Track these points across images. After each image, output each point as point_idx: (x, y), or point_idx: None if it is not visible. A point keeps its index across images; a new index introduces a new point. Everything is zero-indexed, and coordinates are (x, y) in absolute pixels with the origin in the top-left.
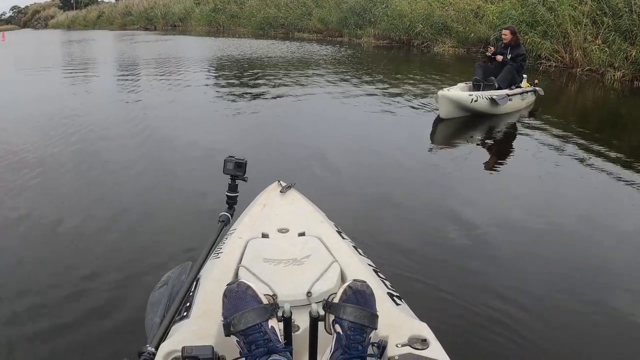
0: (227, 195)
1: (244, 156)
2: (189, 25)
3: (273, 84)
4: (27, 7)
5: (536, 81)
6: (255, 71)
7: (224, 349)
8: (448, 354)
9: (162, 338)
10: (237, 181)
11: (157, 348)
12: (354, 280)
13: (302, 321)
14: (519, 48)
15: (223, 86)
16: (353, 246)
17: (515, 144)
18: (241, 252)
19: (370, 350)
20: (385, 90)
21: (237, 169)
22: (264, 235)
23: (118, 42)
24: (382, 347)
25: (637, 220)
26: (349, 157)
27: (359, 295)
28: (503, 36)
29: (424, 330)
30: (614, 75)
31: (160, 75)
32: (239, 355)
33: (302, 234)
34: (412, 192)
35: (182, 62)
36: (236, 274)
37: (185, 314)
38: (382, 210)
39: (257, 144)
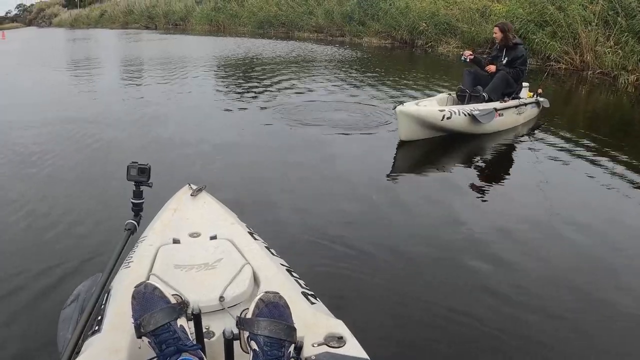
0: (132, 202)
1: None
2: (189, 24)
3: (268, 88)
4: (32, 5)
5: (540, 90)
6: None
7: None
8: (365, 350)
9: (73, 354)
10: (142, 187)
11: None
12: (266, 292)
13: (216, 327)
14: (517, 49)
15: (219, 90)
16: (266, 247)
17: (506, 162)
18: (152, 260)
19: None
20: (368, 94)
21: (140, 175)
22: (175, 241)
23: (120, 42)
24: (298, 347)
25: None
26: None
27: (273, 308)
28: (494, 35)
29: (339, 327)
30: (627, 79)
31: (161, 78)
32: None
33: (213, 238)
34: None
35: (181, 63)
36: None
37: (97, 327)
38: (295, 207)
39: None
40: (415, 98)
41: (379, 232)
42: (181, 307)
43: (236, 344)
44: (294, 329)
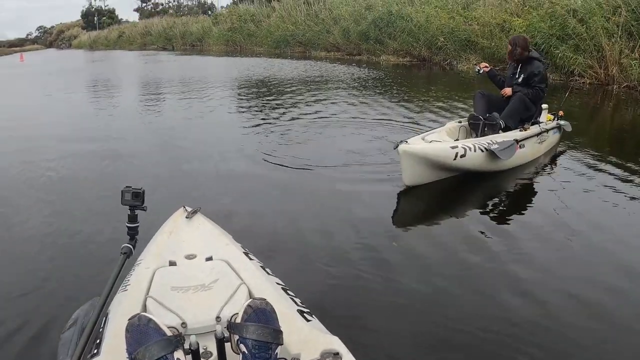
0: (127, 226)
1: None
2: (206, 44)
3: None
4: (52, 27)
5: (561, 112)
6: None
7: None
8: None
9: None
10: (137, 211)
11: None
12: (253, 299)
13: (213, 347)
14: (533, 64)
15: (229, 112)
16: (261, 266)
17: (525, 200)
18: (149, 283)
19: None
20: (381, 116)
21: (135, 199)
22: (172, 263)
23: (138, 63)
24: None
25: None
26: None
27: (260, 313)
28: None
29: (335, 343)
30: None
31: (172, 101)
32: None
33: (209, 259)
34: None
35: (196, 84)
36: (144, 306)
37: (95, 351)
38: (292, 228)
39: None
40: (432, 123)
41: (375, 251)
42: (178, 339)
43: (227, 345)
44: (280, 332)
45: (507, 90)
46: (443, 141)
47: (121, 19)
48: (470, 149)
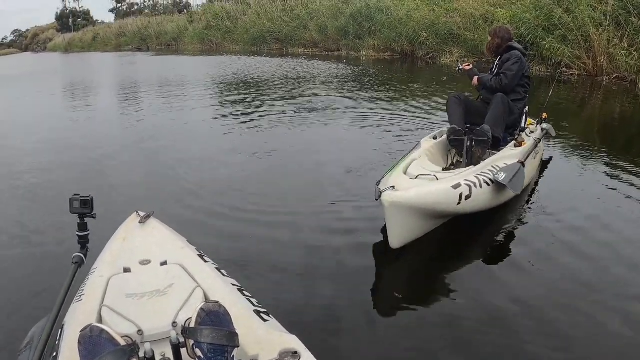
0: (77, 235)
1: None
2: (181, 44)
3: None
4: (27, 30)
5: (544, 115)
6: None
7: None
8: None
9: None
10: (87, 219)
11: None
12: (206, 302)
13: (171, 354)
14: (510, 53)
15: (198, 115)
16: (216, 268)
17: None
18: (103, 291)
19: None
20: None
21: (84, 207)
22: (126, 270)
23: (112, 67)
24: None
25: None
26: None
27: (213, 316)
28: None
29: (293, 342)
30: None
31: (148, 102)
32: None
33: (164, 263)
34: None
35: (169, 87)
36: (100, 315)
37: None
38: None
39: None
40: (413, 120)
41: (334, 250)
42: (132, 348)
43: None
44: (235, 334)
45: (475, 80)
46: (430, 173)
47: (96, 20)
48: (475, 184)
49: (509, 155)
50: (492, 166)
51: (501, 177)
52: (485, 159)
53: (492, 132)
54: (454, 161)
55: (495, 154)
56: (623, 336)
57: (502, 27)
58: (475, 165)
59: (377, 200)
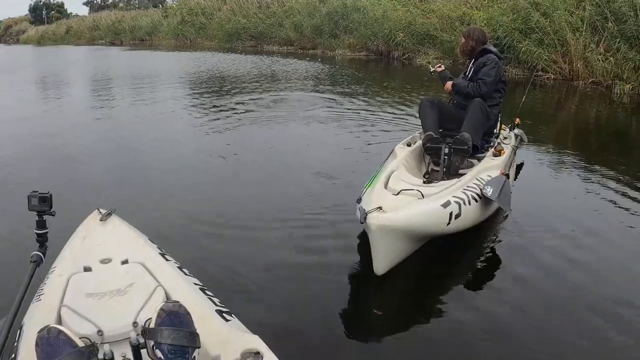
0: (35, 233)
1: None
2: (156, 39)
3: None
4: (0, 22)
5: (517, 120)
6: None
7: None
8: None
9: None
10: (45, 216)
11: None
12: (166, 302)
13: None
14: (485, 56)
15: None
16: (178, 267)
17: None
18: (63, 291)
19: None
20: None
21: (42, 204)
22: (86, 269)
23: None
24: None
25: None
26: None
27: (173, 317)
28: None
29: (256, 342)
30: (622, 89)
31: (120, 97)
32: None
33: (125, 262)
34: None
35: (140, 82)
36: (59, 315)
37: None
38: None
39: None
40: (388, 119)
41: (298, 250)
42: (90, 349)
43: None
44: (196, 335)
45: (447, 85)
46: (412, 186)
47: (70, 13)
48: (464, 201)
49: (491, 166)
50: (477, 179)
51: (489, 191)
52: (463, 168)
53: (472, 137)
54: (429, 169)
55: (472, 162)
56: (613, 341)
57: (476, 29)
58: (453, 174)
59: (362, 223)
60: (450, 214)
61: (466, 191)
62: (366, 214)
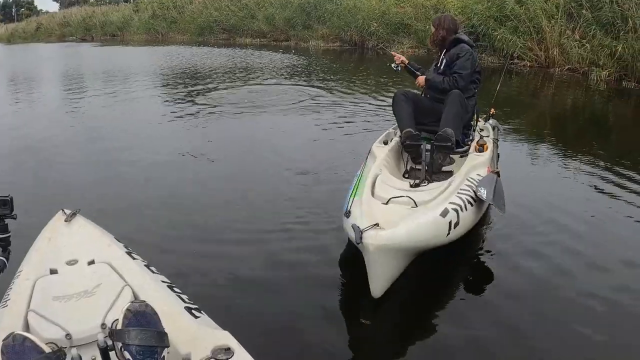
0: None
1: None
2: (127, 34)
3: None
4: None
5: (492, 110)
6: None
7: None
8: (255, 358)
9: None
10: (7, 220)
11: None
12: (132, 302)
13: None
14: (458, 46)
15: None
16: (145, 265)
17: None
18: (29, 295)
19: None
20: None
21: (3, 208)
22: (53, 271)
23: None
24: None
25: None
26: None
27: (140, 317)
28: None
29: (226, 338)
30: (599, 75)
31: (88, 95)
32: None
33: (91, 263)
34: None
35: (110, 79)
36: (26, 320)
37: None
38: (177, 222)
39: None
40: (365, 117)
41: (269, 245)
42: (58, 355)
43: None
44: (165, 334)
45: (420, 80)
46: (402, 192)
47: (40, 9)
48: (461, 207)
49: (478, 164)
50: (468, 179)
51: (484, 193)
52: (445, 165)
53: (454, 134)
54: (408, 167)
55: (453, 158)
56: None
57: (447, 17)
58: (435, 172)
59: (358, 243)
60: (450, 223)
61: (461, 195)
62: (362, 233)
